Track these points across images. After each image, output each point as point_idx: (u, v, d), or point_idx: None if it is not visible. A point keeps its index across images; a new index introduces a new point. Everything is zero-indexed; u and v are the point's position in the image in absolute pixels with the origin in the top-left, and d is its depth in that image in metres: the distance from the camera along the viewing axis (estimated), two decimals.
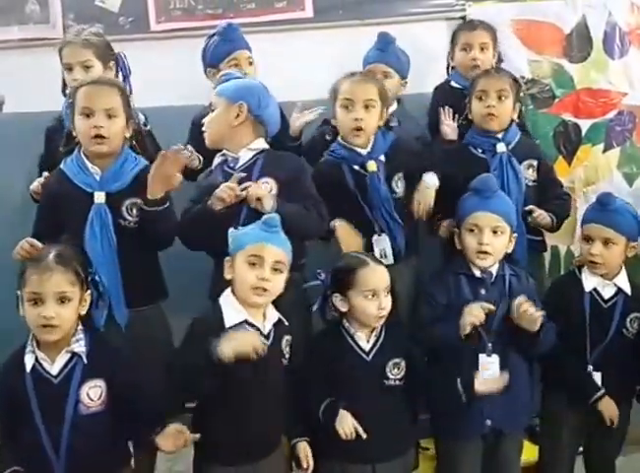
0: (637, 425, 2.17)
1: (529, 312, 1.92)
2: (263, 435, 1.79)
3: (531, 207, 2.25)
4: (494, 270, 2.04)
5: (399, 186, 2.20)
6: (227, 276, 1.80)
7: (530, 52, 2.75)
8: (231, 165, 2.04)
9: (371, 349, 1.91)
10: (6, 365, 1.65)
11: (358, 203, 2.15)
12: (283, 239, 1.81)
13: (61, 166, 2.00)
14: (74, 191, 1.94)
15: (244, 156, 2.04)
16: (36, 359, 1.64)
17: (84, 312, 1.67)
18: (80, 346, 1.64)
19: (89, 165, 1.95)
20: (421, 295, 2.10)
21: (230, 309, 1.79)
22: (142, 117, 2.19)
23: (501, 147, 2.26)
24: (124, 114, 1.96)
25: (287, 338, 1.84)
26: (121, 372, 1.66)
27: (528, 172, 2.31)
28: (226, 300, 1.81)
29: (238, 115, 2.01)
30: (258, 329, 1.77)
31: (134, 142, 2.03)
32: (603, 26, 2.73)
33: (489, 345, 1.99)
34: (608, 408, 2.05)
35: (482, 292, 2.02)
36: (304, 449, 1.83)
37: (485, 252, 2.00)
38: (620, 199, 2.13)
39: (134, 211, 1.93)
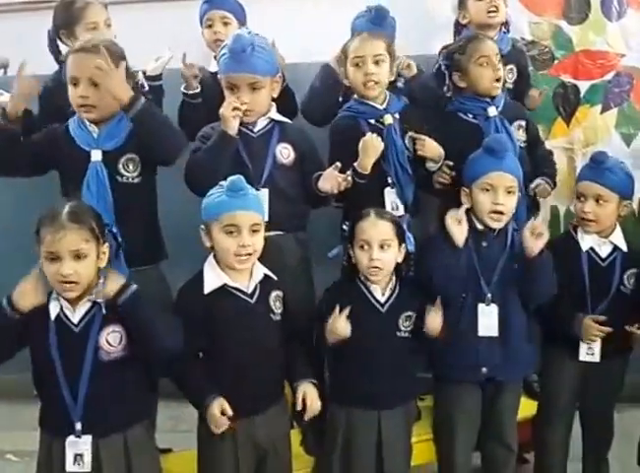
0: (629, 382, 2.23)
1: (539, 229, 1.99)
2: (258, 389, 1.85)
3: (537, 182, 2.30)
4: (497, 225, 2.07)
5: (411, 145, 2.26)
6: (207, 244, 1.86)
7: (530, 14, 2.77)
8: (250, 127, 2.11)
9: (386, 301, 1.99)
10: (33, 311, 1.69)
11: None
12: (252, 200, 1.85)
13: (68, 123, 2.04)
14: (73, 150, 1.99)
15: (261, 122, 2.12)
16: (61, 307, 1.69)
17: (104, 265, 1.71)
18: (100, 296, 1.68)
19: (87, 123, 1.99)
20: (427, 243, 2.13)
21: (211, 275, 1.86)
22: (141, 77, 2.19)
23: (492, 110, 2.30)
24: None
25: (275, 293, 1.90)
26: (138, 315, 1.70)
27: (518, 133, 2.36)
28: (209, 265, 1.87)
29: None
30: (240, 290, 1.83)
31: None
32: None
33: (489, 295, 2.06)
34: (591, 327, 2.09)
35: (484, 244, 2.07)
36: (305, 389, 1.86)
37: (501, 212, 2.04)
38: (614, 157, 2.17)
39: (131, 167, 1.98)
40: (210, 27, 2.54)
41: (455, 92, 2.34)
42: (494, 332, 2.07)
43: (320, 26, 2.80)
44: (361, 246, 1.96)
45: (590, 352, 2.13)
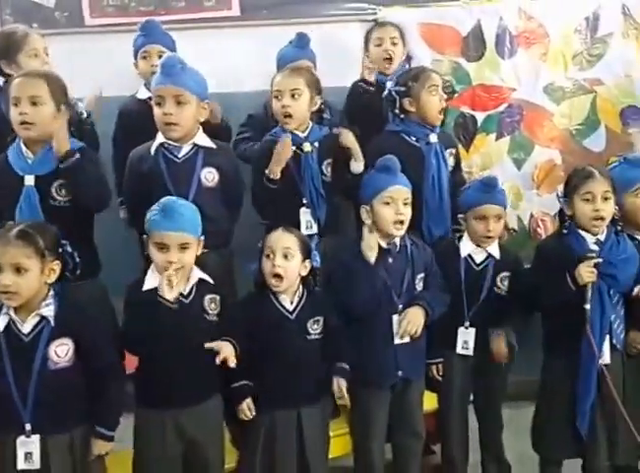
0: (522, 381, 2.49)
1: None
2: (189, 382, 2.01)
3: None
4: (398, 241, 2.31)
5: (327, 170, 2.51)
6: (148, 252, 2.04)
7: (433, 52, 3.06)
8: (175, 153, 2.30)
9: (295, 309, 2.17)
10: None
11: (293, 178, 2.44)
12: (183, 221, 2.02)
13: (7, 151, 2.19)
14: (9, 176, 2.14)
15: (186, 147, 2.31)
16: (11, 319, 1.84)
17: (51, 280, 1.87)
18: (49, 310, 1.85)
19: (24, 149, 2.15)
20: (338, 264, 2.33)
21: (152, 275, 2.04)
22: (81, 106, 2.38)
23: (433, 137, 2.56)
24: (52, 102, 2.13)
25: (210, 296, 2.08)
26: (88, 331, 1.88)
27: (449, 160, 2.63)
28: (152, 267, 2.05)
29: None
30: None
31: (72, 129, 2.20)
32: (495, 29, 3.06)
33: (400, 307, 2.29)
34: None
35: (390, 260, 2.28)
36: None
37: (403, 221, 2.26)
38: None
39: (63, 191, 2.13)
40: (145, 58, 2.72)
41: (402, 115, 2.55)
42: (407, 339, 2.29)
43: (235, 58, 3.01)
44: (267, 255, 2.14)
45: (465, 346, 2.40)
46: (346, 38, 3.01)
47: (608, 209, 2.29)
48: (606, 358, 2.29)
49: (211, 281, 2.10)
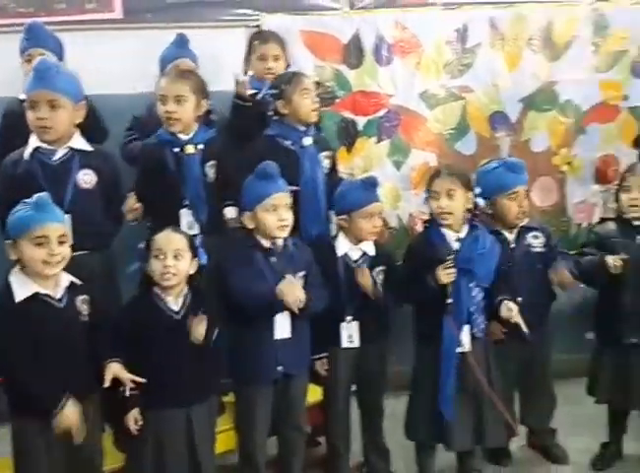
0: (403, 371, 2.62)
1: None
2: (68, 384, 2.02)
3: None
4: (280, 241, 2.39)
5: (211, 172, 2.55)
6: (13, 257, 2.03)
7: (315, 59, 3.17)
8: (50, 156, 2.29)
9: (180, 309, 2.22)
10: None
11: (174, 180, 2.47)
12: (58, 214, 2.06)
13: None
14: None
15: (61, 150, 2.31)
16: None
17: None
18: None
19: None
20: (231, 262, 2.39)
21: (20, 285, 2.02)
22: None
23: (308, 140, 2.65)
24: None
25: (82, 297, 2.10)
26: None
27: (325, 162, 2.73)
28: (16, 277, 2.04)
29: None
30: (49, 297, 2.03)
31: None
32: (373, 38, 3.20)
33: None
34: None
35: (273, 260, 2.36)
36: (111, 367, 2.05)
37: (287, 226, 2.35)
38: None
39: None
40: (29, 61, 2.67)
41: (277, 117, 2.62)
42: (288, 334, 2.38)
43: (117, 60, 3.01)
44: (156, 256, 2.18)
45: (350, 339, 2.52)
46: (229, 44, 3.06)
47: (453, 205, 2.45)
48: (465, 346, 2.46)
49: (78, 282, 2.11)
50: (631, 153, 3.36)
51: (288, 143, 2.65)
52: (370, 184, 2.55)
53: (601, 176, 3.47)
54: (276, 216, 2.35)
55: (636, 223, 2.63)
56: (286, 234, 2.38)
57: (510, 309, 2.43)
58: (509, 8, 3.31)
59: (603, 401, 2.74)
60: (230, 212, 2.59)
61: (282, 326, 2.38)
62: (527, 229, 2.68)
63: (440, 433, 2.50)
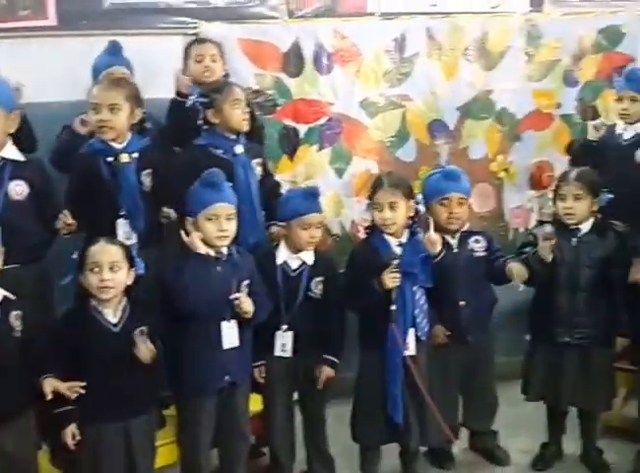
0: (347, 377, 2.62)
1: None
2: (1, 400, 1.97)
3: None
4: (225, 250, 2.38)
5: (147, 181, 2.52)
6: None
7: (255, 67, 3.16)
8: None
9: (119, 322, 2.18)
10: None
11: (109, 190, 2.43)
12: None
13: None
14: None
15: None
16: None
17: None
18: None
19: None
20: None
21: None
22: None
23: (239, 148, 2.63)
24: None
25: (15, 313, 2.05)
26: None
27: (257, 169, 2.73)
28: None
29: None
30: None
31: None
32: (313, 47, 3.21)
33: (229, 312, 2.33)
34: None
35: (219, 268, 2.33)
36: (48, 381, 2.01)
37: (227, 236, 2.34)
38: None
39: None
40: None
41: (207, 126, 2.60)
42: (237, 343, 2.36)
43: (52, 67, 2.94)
44: (92, 269, 2.13)
45: (283, 348, 2.53)
46: (166, 51, 3.01)
47: (396, 215, 2.50)
48: (411, 349, 2.49)
49: (12, 297, 2.06)
50: (565, 159, 3.47)
51: (219, 152, 2.64)
52: (311, 194, 2.56)
53: (536, 182, 3.57)
54: (216, 225, 2.33)
55: (572, 226, 2.71)
56: (225, 243, 2.36)
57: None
58: (445, 19, 3.37)
59: (534, 399, 2.80)
60: (171, 213, 2.56)
61: (230, 335, 2.36)
62: (469, 234, 2.75)
63: (390, 434, 2.52)
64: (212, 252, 2.35)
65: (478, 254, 2.73)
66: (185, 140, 2.66)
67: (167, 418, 2.56)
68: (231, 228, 2.36)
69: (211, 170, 2.37)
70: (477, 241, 2.74)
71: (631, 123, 3.04)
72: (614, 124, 3.13)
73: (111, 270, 2.13)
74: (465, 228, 2.75)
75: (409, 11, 3.34)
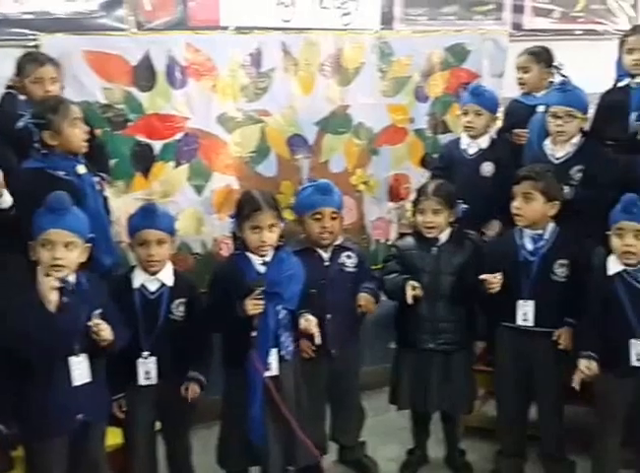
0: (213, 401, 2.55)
1: None
2: None
3: None
4: (72, 278, 2.19)
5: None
6: None
7: (102, 80, 2.99)
8: None
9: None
10: None
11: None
12: None
13: None
14: None
15: None
16: None
17: None
18: None
19: None
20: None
21: None
22: None
23: (82, 168, 2.51)
24: None
25: None
26: None
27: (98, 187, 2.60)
28: None
29: None
30: None
31: None
32: (164, 60, 3.08)
33: (77, 347, 2.18)
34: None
35: (65, 300, 2.14)
36: None
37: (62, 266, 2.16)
38: None
39: None
40: None
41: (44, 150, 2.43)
42: (88, 378, 2.19)
43: None
44: None
45: (147, 376, 2.40)
46: (4, 65, 2.76)
47: (275, 236, 2.47)
48: (273, 369, 2.44)
49: None
50: (420, 171, 3.58)
51: (61, 174, 2.48)
52: (149, 211, 2.46)
53: (394, 194, 3.67)
54: (49, 253, 2.15)
55: (430, 236, 2.77)
56: (57, 274, 2.16)
57: (308, 320, 2.45)
58: (300, 34, 3.38)
59: (404, 407, 2.85)
60: None
61: (80, 370, 2.20)
62: (341, 248, 2.77)
63: (253, 457, 2.46)
64: (56, 283, 2.15)
65: (348, 270, 2.76)
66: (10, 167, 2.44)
67: (16, 459, 2.32)
68: (67, 256, 2.16)
69: (54, 194, 2.21)
70: (348, 257, 2.78)
71: (474, 137, 3.19)
72: (459, 138, 3.27)
73: None
74: (338, 241, 2.77)
75: (263, 25, 3.31)
